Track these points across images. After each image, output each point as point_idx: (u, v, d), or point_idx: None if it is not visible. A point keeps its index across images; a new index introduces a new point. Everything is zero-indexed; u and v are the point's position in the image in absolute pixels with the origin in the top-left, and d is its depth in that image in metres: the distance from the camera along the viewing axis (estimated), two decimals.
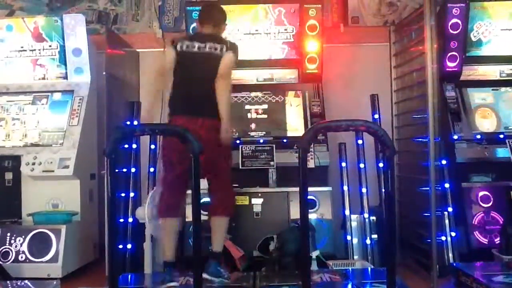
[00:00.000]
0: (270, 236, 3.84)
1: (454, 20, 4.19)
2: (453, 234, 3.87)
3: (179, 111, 3.26)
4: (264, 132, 4.34)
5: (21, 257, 3.84)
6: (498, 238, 3.91)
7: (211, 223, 3.31)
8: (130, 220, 3.98)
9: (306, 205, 2.33)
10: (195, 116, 3.21)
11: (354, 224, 4.12)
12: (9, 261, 3.82)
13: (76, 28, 4.44)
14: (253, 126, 4.38)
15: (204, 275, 3.04)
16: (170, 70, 3.35)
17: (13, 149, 4.26)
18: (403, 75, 4.52)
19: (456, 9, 4.18)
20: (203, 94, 3.25)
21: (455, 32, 4.22)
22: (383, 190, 3.44)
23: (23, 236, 3.89)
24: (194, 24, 4.33)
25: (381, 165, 4.07)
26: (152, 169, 4.24)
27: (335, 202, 4.14)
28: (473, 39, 4.39)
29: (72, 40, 4.46)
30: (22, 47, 4.57)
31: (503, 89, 4.48)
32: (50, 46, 4.53)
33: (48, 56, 4.54)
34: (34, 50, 4.56)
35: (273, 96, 4.54)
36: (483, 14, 4.36)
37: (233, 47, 3.39)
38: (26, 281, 3.37)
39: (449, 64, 4.28)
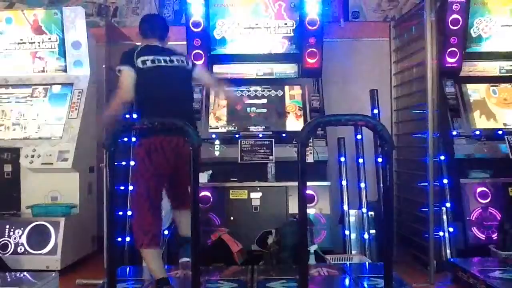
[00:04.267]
0: (268, 230, 3.85)
1: (454, 16, 4.19)
2: (450, 229, 3.88)
3: (154, 131, 3.00)
4: (263, 127, 4.34)
5: (20, 249, 3.85)
6: (496, 234, 3.92)
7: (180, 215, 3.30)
8: (129, 213, 3.98)
9: (305, 199, 2.33)
10: (174, 135, 3.02)
11: (352, 219, 4.12)
12: (8, 253, 3.83)
13: (75, 21, 4.43)
14: (252, 120, 4.38)
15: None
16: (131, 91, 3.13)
17: (12, 142, 4.26)
18: (402, 70, 4.52)
19: (456, 5, 4.17)
20: (180, 109, 3.09)
21: (455, 28, 4.21)
22: (382, 185, 3.45)
23: (22, 229, 3.90)
24: (196, 17, 4.34)
25: (379, 160, 4.08)
26: None
27: (334, 196, 4.15)
28: (473, 35, 4.38)
29: (72, 33, 4.45)
30: (21, 39, 4.56)
31: (502, 85, 4.48)
32: (49, 38, 4.52)
33: (48, 48, 4.54)
34: (34, 42, 4.55)
35: (273, 91, 4.54)
36: (483, 10, 4.36)
37: (192, 61, 3.44)
38: (25, 273, 3.37)
39: (449, 59, 4.28)
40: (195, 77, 3.38)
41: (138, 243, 3.07)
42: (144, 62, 3.14)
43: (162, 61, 3.19)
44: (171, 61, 3.22)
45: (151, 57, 3.16)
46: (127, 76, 3.14)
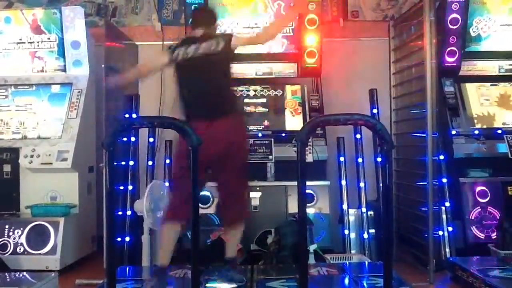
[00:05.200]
0: (268, 230, 3.85)
1: (453, 15, 4.19)
2: (450, 228, 3.88)
3: (194, 118, 3.06)
4: (263, 126, 4.34)
5: (20, 249, 3.84)
6: (495, 233, 3.93)
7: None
8: (129, 213, 3.99)
9: (304, 199, 2.33)
10: (208, 119, 3.05)
11: (351, 218, 4.13)
12: (7, 253, 3.83)
13: (75, 21, 4.42)
14: (252, 120, 4.38)
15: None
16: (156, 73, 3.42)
17: (11, 142, 4.26)
18: (402, 69, 4.52)
19: (455, 4, 4.17)
20: (215, 97, 3.14)
21: (454, 27, 4.21)
22: (381, 184, 3.45)
23: (21, 229, 3.89)
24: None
25: (379, 159, 4.08)
26: (150, 162, 4.25)
27: (333, 196, 4.16)
28: (472, 34, 4.39)
29: (71, 32, 4.45)
30: (20, 39, 4.55)
31: (501, 84, 4.49)
32: (48, 38, 4.52)
33: (47, 48, 4.53)
34: (33, 42, 4.54)
35: (272, 90, 4.54)
36: (482, 9, 4.36)
37: (227, 34, 3.38)
38: (24, 273, 3.37)
39: (448, 59, 4.28)
40: (236, 46, 3.26)
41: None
42: (177, 55, 3.22)
43: (190, 53, 3.20)
44: (198, 49, 3.20)
45: (182, 50, 3.22)
46: (158, 58, 3.38)
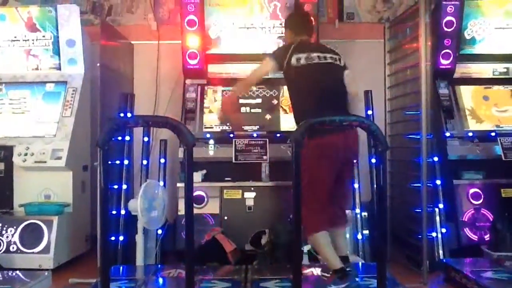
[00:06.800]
0: (262, 230, 3.86)
1: (448, 18, 4.21)
2: (443, 230, 3.90)
3: (330, 130, 3.00)
4: (258, 126, 4.34)
5: (13, 248, 3.83)
6: (488, 235, 3.95)
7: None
8: (123, 212, 3.98)
9: (299, 199, 2.34)
10: (344, 131, 3.07)
11: None
12: (0, 251, 3.81)
13: (70, 19, 4.41)
14: (246, 120, 4.38)
15: None
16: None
17: (5, 140, 4.23)
18: (397, 71, 4.53)
19: (450, 7, 4.20)
20: (343, 105, 3.19)
21: (449, 30, 4.24)
22: (375, 185, 3.46)
23: (14, 227, 3.88)
24: (191, 17, 4.33)
25: (373, 160, 4.09)
26: (145, 162, 4.24)
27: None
28: (467, 37, 4.41)
29: (66, 30, 4.43)
30: (15, 37, 4.53)
31: (495, 87, 4.51)
32: (43, 36, 4.50)
33: (42, 46, 4.51)
34: (28, 40, 4.52)
35: (267, 91, 4.54)
36: (477, 12, 4.38)
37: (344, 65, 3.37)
38: (17, 272, 3.37)
39: (443, 61, 4.31)
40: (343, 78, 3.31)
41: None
42: (298, 59, 3.19)
43: (316, 58, 3.21)
44: (325, 58, 3.24)
45: (305, 55, 3.21)
46: (266, 65, 3.33)
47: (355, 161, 3.58)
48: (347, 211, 3.53)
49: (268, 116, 4.43)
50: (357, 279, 3.20)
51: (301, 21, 3.50)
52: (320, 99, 3.12)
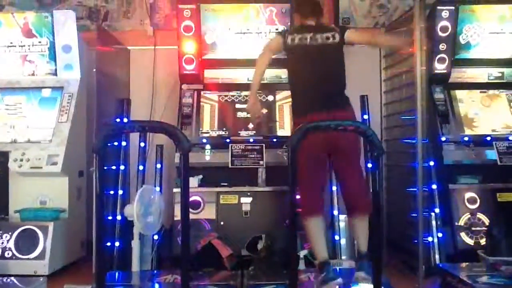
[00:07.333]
0: (258, 235, 3.85)
1: (443, 23, 4.23)
2: (439, 235, 3.89)
3: (311, 110, 3.10)
4: (254, 131, 4.35)
5: (8, 254, 3.81)
6: (484, 240, 3.95)
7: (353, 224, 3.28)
8: (119, 217, 3.97)
9: (295, 204, 2.34)
10: (330, 110, 3.09)
11: (342, 224, 4.13)
12: None
13: (66, 24, 4.41)
14: (243, 125, 4.38)
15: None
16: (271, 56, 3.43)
17: (0, 145, 4.22)
18: (392, 76, 4.55)
19: (445, 12, 4.22)
20: (331, 87, 3.18)
21: (444, 35, 4.26)
22: (371, 190, 3.46)
23: (10, 233, 3.86)
24: (187, 22, 4.34)
25: (369, 165, 4.10)
26: (141, 167, 4.23)
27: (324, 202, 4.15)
28: (462, 42, 4.43)
29: (62, 36, 4.43)
30: (11, 42, 4.53)
31: (491, 91, 4.53)
32: (39, 42, 4.50)
33: (38, 52, 4.51)
34: (24, 46, 4.52)
35: (264, 96, 4.55)
36: (472, 17, 4.40)
37: (342, 28, 3.37)
38: (12, 278, 3.35)
39: (438, 66, 4.32)
40: (350, 42, 3.31)
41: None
42: (293, 40, 3.25)
43: (308, 39, 3.23)
44: (315, 39, 3.24)
45: (300, 35, 3.25)
46: (272, 40, 3.46)
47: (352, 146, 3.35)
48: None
49: (264, 121, 4.43)
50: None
51: (307, 4, 3.50)
52: (307, 85, 3.18)
